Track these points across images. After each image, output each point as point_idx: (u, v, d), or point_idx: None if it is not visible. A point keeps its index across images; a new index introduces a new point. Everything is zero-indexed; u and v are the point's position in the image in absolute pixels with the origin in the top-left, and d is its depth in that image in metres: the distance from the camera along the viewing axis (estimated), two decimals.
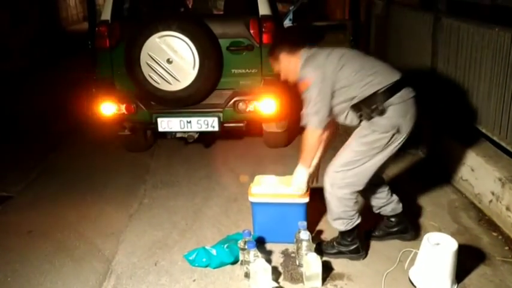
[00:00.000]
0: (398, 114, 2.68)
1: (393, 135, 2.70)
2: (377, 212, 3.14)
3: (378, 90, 2.66)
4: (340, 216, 2.88)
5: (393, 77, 2.72)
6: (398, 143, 2.77)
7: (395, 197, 3.09)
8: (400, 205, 3.10)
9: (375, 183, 2.99)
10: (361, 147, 2.75)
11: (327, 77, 2.72)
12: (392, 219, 3.11)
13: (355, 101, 2.71)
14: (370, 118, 2.69)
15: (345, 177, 2.79)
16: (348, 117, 2.82)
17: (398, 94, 2.67)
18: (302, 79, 2.81)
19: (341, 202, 2.84)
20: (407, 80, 2.76)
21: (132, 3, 4.89)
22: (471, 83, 3.93)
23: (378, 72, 2.72)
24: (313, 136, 2.83)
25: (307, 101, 2.77)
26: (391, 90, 2.66)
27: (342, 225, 2.91)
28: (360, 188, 2.83)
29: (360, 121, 2.77)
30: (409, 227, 3.15)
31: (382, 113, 2.65)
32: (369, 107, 2.66)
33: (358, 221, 2.92)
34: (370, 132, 2.72)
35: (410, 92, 2.73)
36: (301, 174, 2.95)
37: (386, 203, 3.07)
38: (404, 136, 2.76)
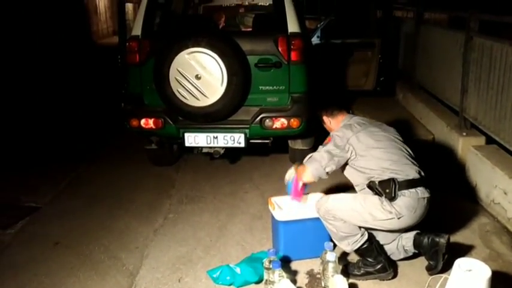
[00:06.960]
0: (405, 206, 2.76)
1: (392, 218, 2.76)
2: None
3: (396, 179, 2.77)
4: (341, 237, 2.90)
5: (413, 174, 2.83)
6: (392, 229, 2.89)
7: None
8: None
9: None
10: (358, 207, 2.82)
11: (344, 151, 2.91)
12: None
13: (372, 179, 2.85)
14: (381, 196, 2.80)
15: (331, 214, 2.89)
16: (360, 189, 2.99)
17: (412, 189, 2.78)
18: (330, 135, 3.06)
19: (328, 222, 2.90)
20: (426, 181, 2.88)
21: (162, 19, 4.96)
22: (504, 104, 3.83)
23: (401, 165, 2.85)
24: (303, 178, 3.05)
25: (319, 151, 2.99)
26: (407, 184, 2.78)
27: (348, 246, 2.91)
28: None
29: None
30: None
31: (392, 199, 2.75)
32: (383, 189, 2.78)
33: (364, 238, 2.88)
34: (376, 199, 2.80)
35: (425, 193, 2.82)
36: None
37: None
38: (401, 227, 2.85)
